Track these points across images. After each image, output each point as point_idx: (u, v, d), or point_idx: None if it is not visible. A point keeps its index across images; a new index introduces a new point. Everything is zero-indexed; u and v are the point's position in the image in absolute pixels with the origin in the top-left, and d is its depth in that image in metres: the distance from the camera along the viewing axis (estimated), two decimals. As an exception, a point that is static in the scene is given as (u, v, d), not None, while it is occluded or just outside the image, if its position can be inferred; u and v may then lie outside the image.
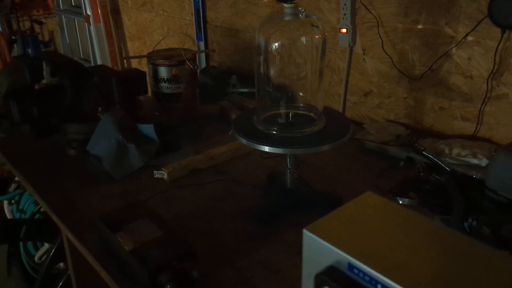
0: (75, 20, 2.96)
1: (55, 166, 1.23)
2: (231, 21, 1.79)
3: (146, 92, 1.50)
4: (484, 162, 1.08)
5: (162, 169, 1.15)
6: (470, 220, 0.90)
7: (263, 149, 0.92)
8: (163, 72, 1.50)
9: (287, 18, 0.90)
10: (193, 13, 1.93)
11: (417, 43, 1.23)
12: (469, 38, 1.13)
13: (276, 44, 0.94)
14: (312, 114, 0.98)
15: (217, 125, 1.45)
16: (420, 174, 1.12)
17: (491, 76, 1.11)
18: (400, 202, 1.02)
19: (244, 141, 0.95)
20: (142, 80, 1.46)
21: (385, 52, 1.28)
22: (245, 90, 1.63)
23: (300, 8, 0.89)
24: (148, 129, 1.27)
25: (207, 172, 1.18)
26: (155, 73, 1.51)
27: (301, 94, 1.00)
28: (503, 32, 1.05)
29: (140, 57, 2.34)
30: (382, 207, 0.48)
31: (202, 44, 1.96)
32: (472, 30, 1.11)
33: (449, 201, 1.01)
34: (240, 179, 1.14)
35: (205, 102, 1.58)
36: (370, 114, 1.42)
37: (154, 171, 1.16)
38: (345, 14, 1.36)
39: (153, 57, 1.52)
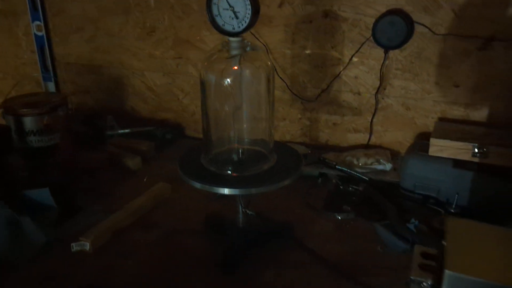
0: None
1: None
2: (90, 57, 1.61)
3: (11, 150, 1.24)
4: (388, 166, 1.22)
5: (81, 239, 0.96)
6: (412, 220, 1.01)
7: (221, 192, 0.87)
8: (29, 123, 1.25)
9: (234, 52, 0.87)
10: (36, 51, 1.67)
11: (306, 67, 1.32)
12: (354, 59, 1.26)
13: (224, 79, 0.89)
14: (261, 149, 0.95)
15: (112, 175, 1.29)
16: (339, 188, 1.20)
17: (377, 91, 1.27)
18: (340, 218, 1.08)
19: (198, 185, 0.87)
20: (6, 136, 1.20)
21: (280, 77, 1.34)
22: (127, 130, 1.49)
23: (245, 41, 0.87)
24: (42, 194, 1.05)
25: (134, 230, 1.04)
26: (19, 125, 1.25)
27: (249, 128, 0.97)
28: (386, 52, 1.21)
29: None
30: (477, 230, 0.51)
31: (51, 85, 1.71)
32: (356, 52, 1.25)
33: (378, 207, 1.11)
34: (177, 228, 1.04)
35: (85, 151, 1.38)
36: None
37: (72, 244, 0.96)
38: (231, 44, 1.37)
39: (14, 107, 1.26)
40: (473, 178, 1.04)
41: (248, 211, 0.95)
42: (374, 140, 1.33)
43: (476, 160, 1.04)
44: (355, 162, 1.24)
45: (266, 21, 1.32)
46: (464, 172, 1.05)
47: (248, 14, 0.81)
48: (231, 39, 0.86)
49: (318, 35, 1.28)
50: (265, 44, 1.34)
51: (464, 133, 1.10)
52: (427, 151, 1.10)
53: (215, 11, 0.84)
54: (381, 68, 1.24)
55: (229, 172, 0.89)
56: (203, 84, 0.91)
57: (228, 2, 0.82)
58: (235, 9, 0.82)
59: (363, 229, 1.04)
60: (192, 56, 1.47)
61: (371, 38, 1.20)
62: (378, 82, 1.26)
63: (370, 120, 1.31)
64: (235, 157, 0.94)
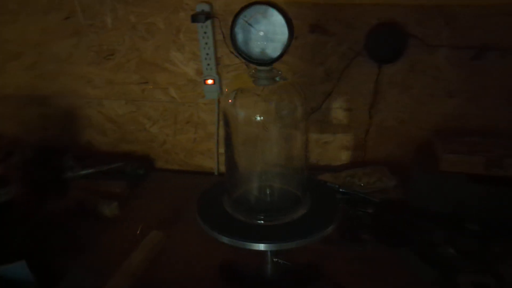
0: None
1: None
2: (32, 86, 1.38)
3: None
4: (390, 184, 1.17)
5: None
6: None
7: (256, 248, 0.74)
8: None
9: (263, 83, 0.74)
10: (-40, 83, 1.40)
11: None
12: (344, 74, 1.19)
13: (252, 113, 0.77)
14: (291, 189, 0.83)
15: (86, 226, 1.10)
16: (348, 212, 1.13)
17: (370, 106, 1.21)
18: (361, 250, 1.00)
19: (226, 239, 0.74)
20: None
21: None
22: (90, 170, 1.29)
23: (277, 71, 0.75)
24: (17, 269, 0.84)
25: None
26: (-37, 179, 1.02)
27: (279, 166, 0.85)
28: (379, 67, 1.16)
29: None
30: None
31: (-16, 122, 1.44)
32: (346, 67, 1.18)
33: (395, 230, 1.05)
34: (187, 286, 0.89)
35: (48, 200, 1.16)
36: (248, 163, 1.34)
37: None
38: (208, 64, 1.24)
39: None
40: (490, 192, 1.01)
41: (280, 260, 0.83)
42: (368, 156, 1.28)
43: (491, 173, 1.02)
44: (357, 182, 1.17)
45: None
46: (480, 187, 1.02)
47: (284, 38, 0.69)
48: (260, 68, 0.74)
49: (305, 51, 1.19)
50: (245, 64, 1.23)
51: (471, 145, 1.08)
52: (433, 166, 1.07)
53: (239, 38, 0.71)
54: (374, 83, 1.18)
55: (261, 221, 0.77)
56: (226, 119, 0.78)
57: (258, 24, 0.70)
58: (267, 34, 0.70)
59: (387, 258, 0.97)
60: (161, 80, 1.31)
61: (363, 52, 1.15)
62: (371, 97, 1.20)
63: (363, 137, 1.25)
64: (263, 199, 0.81)
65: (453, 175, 1.03)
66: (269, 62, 0.73)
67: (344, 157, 1.29)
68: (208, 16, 1.18)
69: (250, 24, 0.70)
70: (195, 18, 1.16)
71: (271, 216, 0.79)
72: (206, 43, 1.21)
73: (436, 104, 1.18)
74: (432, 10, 1.09)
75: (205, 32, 1.20)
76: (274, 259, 0.83)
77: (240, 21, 0.70)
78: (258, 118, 0.77)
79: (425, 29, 1.12)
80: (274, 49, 0.71)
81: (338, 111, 1.24)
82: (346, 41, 1.17)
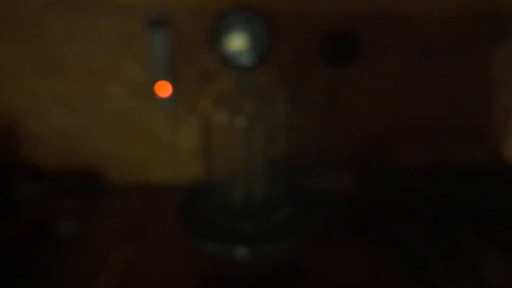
0: None
1: None
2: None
3: None
4: (352, 181, 1.22)
5: None
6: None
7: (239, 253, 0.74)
8: None
9: (243, 86, 0.75)
10: None
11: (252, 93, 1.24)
12: (301, 78, 1.23)
13: (233, 117, 0.76)
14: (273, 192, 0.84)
15: (44, 248, 1.02)
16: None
17: (328, 108, 1.26)
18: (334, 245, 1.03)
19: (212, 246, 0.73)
20: None
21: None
22: (41, 189, 1.20)
23: (255, 75, 0.76)
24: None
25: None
26: None
27: (260, 168, 0.84)
28: (334, 72, 1.21)
29: None
30: None
31: None
32: (302, 73, 1.22)
33: (364, 225, 1.09)
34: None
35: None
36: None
37: None
38: (163, 72, 1.21)
39: None
40: (445, 182, 1.10)
41: (262, 265, 0.83)
42: (325, 158, 1.32)
43: (444, 165, 1.11)
44: (319, 182, 1.21)
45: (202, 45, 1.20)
46: (436, 178, 1.10)
47: (265, 43, 0.70)
48: (240, 72, 0.74)
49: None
50: (203, 71, 1.22)
51: (423, 140, 1.16)
52: (391, 162, 1.14)
53: (220, 43, 0.71)
54: (330, 87, 1.23)
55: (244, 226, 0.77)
56: (207, 124, 0.77)
57: (238, 30, 0.70)
58: (247, 39, 0.71)
59: (361, 250, 1.01)
60: (113, 90, 1.25)
61: (318, 57, 1.19)
62: (327, 101, 1.25)
63: (321, 139, 1.29)
64: (245, 204, 0.81)
65: (411, 169, 1.11)
66: (249, 66, 0.73)
67: (303, 159, 1.33)
68: (163, 23, 1.15)
69: (230, 30, 0.70)
70: (149, 25, 1.13)
71: (253, 221, 0.79)
72: (161, 51, 1.19)
73: (387, 103, 1.26)
74: (381, 17, 1.17)
75: (159, 40, 1.18)
76: (256, 264, 0.83)
77: (221, 26, 0.70)
78: (238, 122, 0.77)
79: (375, 34, 1.19)
80: (254, 54, 0.72)
81: (295, 115, 1.28)
82: (301, 47, 1.20)
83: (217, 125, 0.76)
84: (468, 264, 0.90)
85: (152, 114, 1.27)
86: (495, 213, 1.02)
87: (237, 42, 0.70)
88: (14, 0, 1.16)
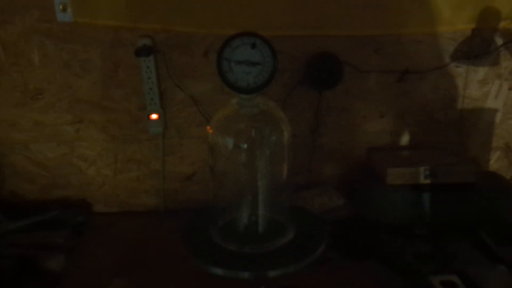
0: None
1: None
2: None
3: None
4: (341, 201, 1.24)
5: None
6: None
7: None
8: None
9: (247, 110, 0.75)
10: None
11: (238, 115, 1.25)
12: (287, 103, 1.25)
13: (237, 141, 0.76)
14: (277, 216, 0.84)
15: (32, 286, 0.97)
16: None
17: (313, 130, 1.28)
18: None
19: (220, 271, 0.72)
20: None
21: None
22: (23, 222, 1.15)
23: (259, 98, 0.76)
24: None
25: None
26: None
27: (264, 193, 0.84)
28: (319, 93, 1.24)
29: None
30: None
31: None
32: (288, 95, 1.24)
33: (357, 245, 1.11)
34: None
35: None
36: (195, 196, 1.32)
37: None
38: (152, 99, 1.21)
39: None
40: (432, 198, 1.13)
41: None
42: (313, 178, 1.34)
43: (428, 181, 1.14)
44: (310, 203, 1.22)
45: (190, 71, 1.21)
46: (423, 194, 1.13)
47: (269, 68, 0.72)
48: (244, 96, 0.75)
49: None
50: (191, 96, 1.22)
51: (406, 158, 1.20)
52: (376, 181, 1.17)
53: (225, 67, 0.72)
54: (315, 109, 1.26)
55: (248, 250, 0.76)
56: (211, 147, 0.77)
57: (243, 54, 0.71)
58: (253, 63, 0.72)
59: (356, 271, 1.02)
60: (98, 118, 1.23)
61: (304, 80, 1.22)
62: (313, 122, 1.28)
63: (308, 160, 1.31)
64: (250, 228, 0.81)
65: (397, 187, 1.14)
66: (254, 90, 0.74)
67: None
68: (151, 50, 1.16)
69: (235, 54, 0.72)
70: (138, 53, 1.13)
71: (257, 245, 0.79)
72: (149, 78, 1.19)
73: (369, 123, 1.30)
74: (362, 39, 1.21)
75: (147, 66, 1.18)
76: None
77: (226, 51, 0.71)
78: (243, 145, 0.78)
79: (357, 56, 1.23)
80: (259, 78, 0.73)
81: (282, 137, 1.29)
82: (287, 70, 1.23)
83: (221, 147, 0.76)
84: (464, 276, 0.92)
85: (140, 139, 1.26)
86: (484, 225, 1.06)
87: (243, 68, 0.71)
88: (-6, 30, 1.13)
